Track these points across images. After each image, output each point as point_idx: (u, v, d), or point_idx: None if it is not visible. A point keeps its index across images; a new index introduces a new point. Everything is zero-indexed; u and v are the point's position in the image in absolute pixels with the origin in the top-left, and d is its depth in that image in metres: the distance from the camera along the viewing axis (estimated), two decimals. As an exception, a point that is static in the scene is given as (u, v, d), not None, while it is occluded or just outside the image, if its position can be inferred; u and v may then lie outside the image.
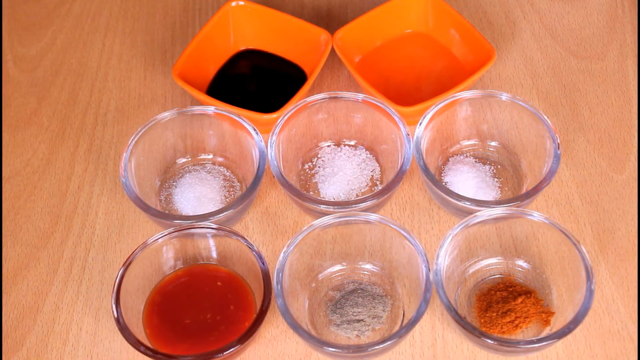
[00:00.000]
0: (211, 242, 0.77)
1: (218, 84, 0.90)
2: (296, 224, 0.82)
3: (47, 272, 0.80)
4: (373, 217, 0.74)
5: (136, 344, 0.69)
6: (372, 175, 0.84)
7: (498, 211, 0.74)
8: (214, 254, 0.77)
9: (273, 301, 0.72)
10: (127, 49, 0.96)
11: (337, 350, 0.69)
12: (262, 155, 0.79)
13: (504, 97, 0.81)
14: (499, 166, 0.84)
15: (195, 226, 0.75)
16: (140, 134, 0.80)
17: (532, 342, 0.68)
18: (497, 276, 0.78)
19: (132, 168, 0.79)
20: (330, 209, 0.76)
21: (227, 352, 0.69)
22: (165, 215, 0.79)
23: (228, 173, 0.84)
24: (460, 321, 0.69)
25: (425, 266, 0.71)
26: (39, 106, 0.91)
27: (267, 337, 0.76)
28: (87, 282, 0.79)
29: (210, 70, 0.91)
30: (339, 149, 0.85)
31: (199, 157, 0.85)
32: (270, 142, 0.79)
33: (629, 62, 0.92)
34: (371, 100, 0.81)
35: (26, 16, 0.99)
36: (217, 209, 0.78)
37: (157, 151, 0.83)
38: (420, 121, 0.80)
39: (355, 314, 0.75)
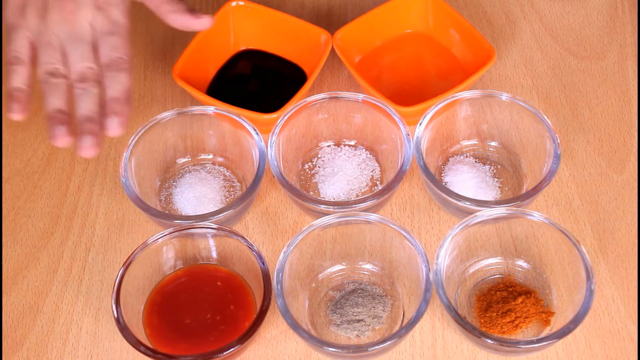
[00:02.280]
0: (211, 242, 0.77)
1: (218, 84, 0.90)
2: (296, 224, 0.82)
3: (47, 272, 0.80)
4: (373, 217, 0.74)
5: (136, 344, 0.69)
6: (372, 175, 0.84)
7: (498, 211, 0.74)
8: (214, 254, 0.77)
9: (273, 301, 0.72)
10: (127, 49, 0.96)
11: (337, 350, 0.69)
12: (262, 155, 0.79)
13: (504, 97, 0.81)
14: (499, 166, 0.84)
15: (195, 226, 0.75)
16: (140, 134, 0.80)
17: (532, 342, 0.68)
18: (497, 276, 0.78)
19: (132, 168, 0.79)
20: (330, 209, 0.76)
21: (227, 352, 0.69)
22: (165, 215, 0.79)
23: (228, 173, 0.85)
24: (460, 321, 0.69)
25: (425, 266, 0.71)
26: (38, 106, 0.90)
27: (267, 337, 0.76)
28: (87, 282, 0.79)
29: (210, 70, 0.91)
30: (339, 149, 0.85)
31: (199, 157, 0.85)
32: (270, 142, 0.79)
33: (629, 62, 0.92)
34: (371, 100, 0.81)
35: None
36: (217, 209, 0.78)
37: (157, 151, 0.83)
38: (420, 121, 0.80)
39: (355, 314, 0.75)
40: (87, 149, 0.70)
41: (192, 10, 0.79)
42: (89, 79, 0.73)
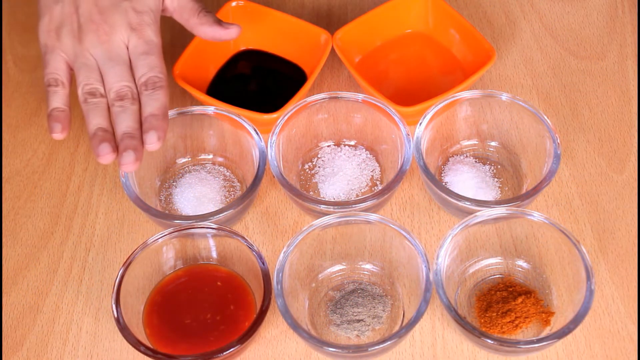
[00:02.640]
0: (211, 242, 0.77)
1: (218, 84, 0.90)
2: (296, 224, 0.82)
3: (47, 272, 0.80)
4: (373, 217, 0.74)
5: (136, 344, 0.69)
6: (372, 175, 0.84)
7: (498, 211, 0.74)
8: (214, 254, 0.77)
9: (273, 301, 0.72)
10: (127, 49, 0.96)
11: (337, 350, 0.69)
12: (262, 155, 0.79)
13: (504, 97, 0.81)
14: (499, 166, 0.84)
15: (195, 226, 0.75)
16: (140, 134, 0.80)
17: (532, 342, 0.68)
18: (497, 276, 0.78)
19: (132, 168, 0.79)
20: (330, 209, 0.76)
21: (227, 352, 0.69)
22: (165, 215, 0.79)
23: (228, 173, 0.85)
24: (460, 321, 0.69)
25: (425, 266, 0.71)
26: (39, 106, 0.91)
27: (267, 337, 0.76)
28: (87, 282, 0.79)
29: (210, 70, 0.91)
30: (339, 149, 0.85)
31: (199, 157, 0.85)
32: (270, 142, 0.79)
33: (629, 62, 0.92)
34: (371, 100, 0.82)
35: (26, 16, 0.99)
36: (217, 209, 0.78)
37: (157, 151, 0.83)
38: (420, 121, 0.80)
39: (355, 314, 0.75)
40: (129, 165, 0.73)
41: (220, 21, 0.81)
42: (126, 97, 0.75)
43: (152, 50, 0.77)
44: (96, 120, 0.74)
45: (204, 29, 0.81)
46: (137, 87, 0.76)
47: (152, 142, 0.73)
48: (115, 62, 0.76)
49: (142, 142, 0.74)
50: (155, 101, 0.75)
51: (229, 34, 0.81)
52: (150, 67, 0.76)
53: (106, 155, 0.73)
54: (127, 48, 0.77)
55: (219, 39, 0.82)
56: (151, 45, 0.77)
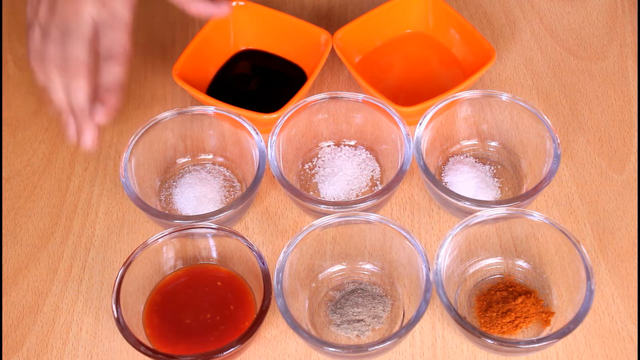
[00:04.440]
0: (211, 242, 0.77)
1: (218, 84, 0.90)
2: (296, 224, 0.82)
3: (47, 272, 0.80)
4: (373, 217, 0.74)
5: (136, 344, 0.69)
6: (372, 175, 0.84)
7: (498, 211, 0.74)
8: (214, 254, 0.77)
9: (273, 301, 0.72)
10: (127, 49, 0.96)
11: (337, 350, 0.69)
12: (262, 155, 0.79)
13: (504, 97, 0.81)
14: (499, 166, 0.84)
15: (195, 226, 0.75)
16: (140, 134, 0.80)
17: (532, 342, 0.68)
18: (497, 276, 0.78)
19: (132, 168, 0.79)
20: (330, 209, 0.76)
21: (227, 352, 0.69)
22: (165, 215, 0.79)
23: (228, 173, 0.85)
24: (460, 321, 0.69)
25: (425, 266, 0.71)
26: (39, 106, 0.91)
27: (267, 337, 0.76)
28: (87, 282, 0.79)
29: (210, 70, 0.91)
30: (339, 149, 0.85)
31: (199, 157, 0.85)
32: (270, 142, 0.79)
33: (629, 62, 0.92)
34: (371, 100, 0.82)
35: (26, 16, 0.99)
36: (217, 209, 0.78)
37: (157, 151, 0.83)
38: (420, 121, 0.80)
39: (355, 314, 0.75)
40: (88, 143, 0.76)
41: None
42: (81, 69, 0.76)
43: (118, 24, 0.77)
44: (58, 95, 0.77)
45: (195, 4, 0.81)
46: (96, 60, 0.77)
47: (99, 116, 0.76)
48: (76, 36, 0.76)
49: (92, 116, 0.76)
50: (110, 74, 0.76)
51: (220, 10, 0.82)
52: (113, 39, 0.77)
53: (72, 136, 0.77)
54: (95, 21, 0.77)
55: (210, 16, 0.82)
56: (118, 19, 0.77)
